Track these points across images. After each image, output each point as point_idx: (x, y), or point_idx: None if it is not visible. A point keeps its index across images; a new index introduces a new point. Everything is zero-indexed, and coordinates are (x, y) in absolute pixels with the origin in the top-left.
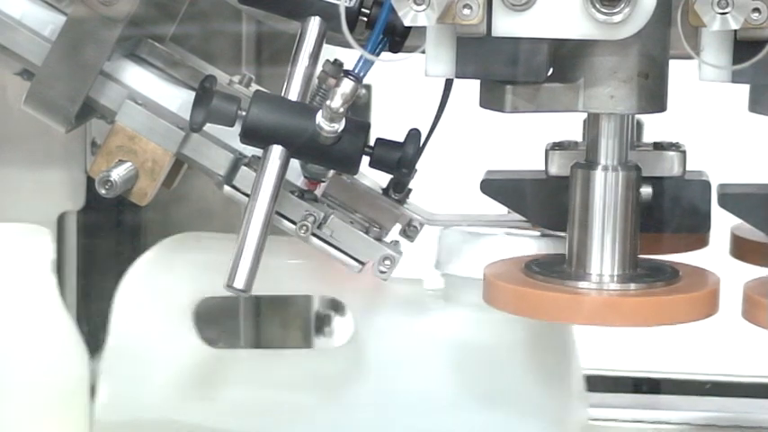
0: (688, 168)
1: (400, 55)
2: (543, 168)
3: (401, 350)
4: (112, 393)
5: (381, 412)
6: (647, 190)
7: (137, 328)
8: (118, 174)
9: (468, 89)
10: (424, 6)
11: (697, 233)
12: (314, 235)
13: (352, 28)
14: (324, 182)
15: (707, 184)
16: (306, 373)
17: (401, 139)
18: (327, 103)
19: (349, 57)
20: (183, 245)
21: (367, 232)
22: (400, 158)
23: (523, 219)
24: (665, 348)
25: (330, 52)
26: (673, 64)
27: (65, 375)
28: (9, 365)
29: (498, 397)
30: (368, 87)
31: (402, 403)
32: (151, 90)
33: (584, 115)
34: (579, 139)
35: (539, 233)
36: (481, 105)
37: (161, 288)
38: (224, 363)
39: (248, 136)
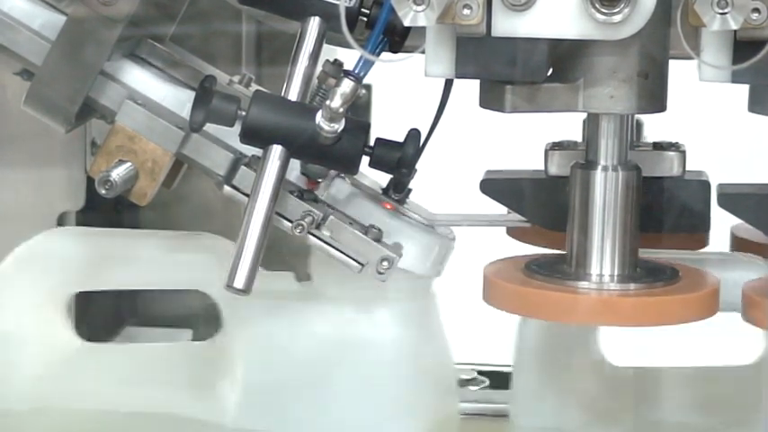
0: (688, 168)
1: (400, 55)
2: (543, 168)
3: (269, 343)
4: None
5: (250, 406)
6: None
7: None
8: (118, 174)
9: (468, 89)
10: (423, 6)
11: (697, 233)
12: (313, 235)
13: (352, 28)
14: (319, 182)
15: (706, 184)
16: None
17: (401, 139)
18: (327, 103)
19: (349, 57)
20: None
21: (366, 233)
22: (400, 158)
23: (523, 219)
24: (664, 346)
25: (330, 52)
26: (672, 64)
27: None
28: None
29: (367, 392)
30: (368, 87)
31: (271, 397)
32: (151, 90)
33: (584, 115)
34: (579, 139)
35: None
36: (481, 105)
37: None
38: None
39: (248, 136)
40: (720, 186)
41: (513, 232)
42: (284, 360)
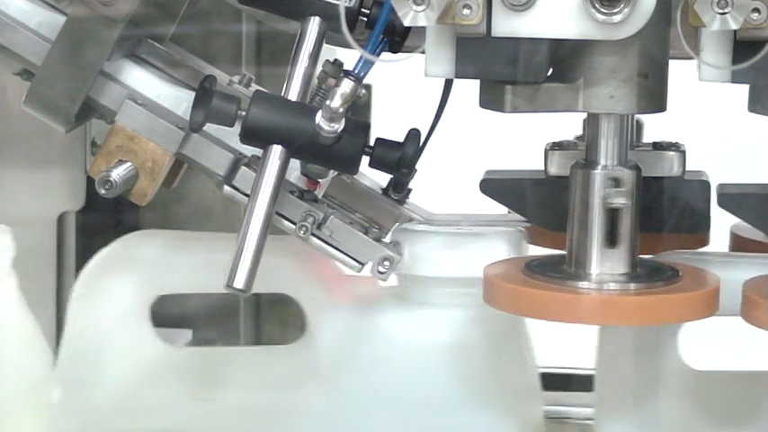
0: (688, 168)
1: (400, 55)
2: (543, 168)
3: (356, 348)
4: (68, 396)
5: (333, 410)
6: None
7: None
8: (118, 174)
9: (469, 89)
10: (423, 6)
11: (697, 233)
12: (314, 235)
13: (352, 28)
14: (319, 182)
15: (706, 184)
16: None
17: (401, 139)
18: (327, 103)
19: (349, 57)
20: (140, 242)
21: (366, 233)
22: (400, 158)
23: (523, 218)
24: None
25: (330, 52)
26: (672, 64)
27: (27, 377)
28: None
29: (454, 395)
30: (368, 87)
31: (356, 402)
32: (151, 90)
33: (585, 115)
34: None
35: None
36: (481, 105)
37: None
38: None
39: (248, 136)
40: (720, 186)
41: None
42: (374, 365)
